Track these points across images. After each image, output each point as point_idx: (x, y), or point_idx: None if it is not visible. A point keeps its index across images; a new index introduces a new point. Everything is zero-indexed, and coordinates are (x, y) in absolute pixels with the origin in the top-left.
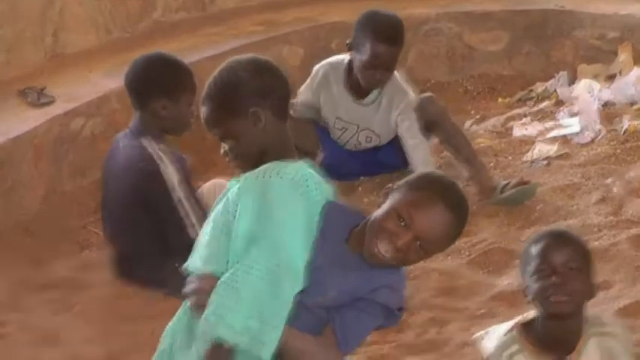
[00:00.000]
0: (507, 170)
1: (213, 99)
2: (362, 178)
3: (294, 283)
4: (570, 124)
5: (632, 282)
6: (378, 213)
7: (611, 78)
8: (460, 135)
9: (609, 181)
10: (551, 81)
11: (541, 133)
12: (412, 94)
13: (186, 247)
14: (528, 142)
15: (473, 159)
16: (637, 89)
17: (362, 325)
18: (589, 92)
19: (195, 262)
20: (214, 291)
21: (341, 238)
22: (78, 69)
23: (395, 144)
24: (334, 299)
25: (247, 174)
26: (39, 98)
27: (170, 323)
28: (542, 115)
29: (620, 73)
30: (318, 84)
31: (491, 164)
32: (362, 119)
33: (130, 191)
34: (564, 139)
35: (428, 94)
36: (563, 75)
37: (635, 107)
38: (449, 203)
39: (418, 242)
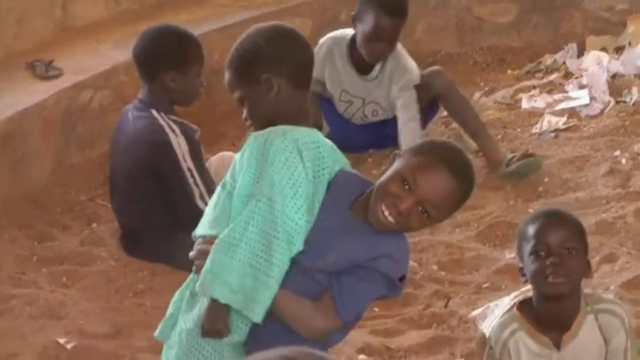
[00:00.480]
0: (515, 142)
1: (232, 65)
2: (370, 150)
3: (289, 243)
4: (579, 96)
5: (637, 255)
6: (383, 178)
7: (620, 49)
8: (468, 107)
9: (618, 153)
10: (560, 53)
11: (550, 105)
12: (414, 71)
13: (194, 218)
14: (537, 114)
15: (481, 132)
16: None
17: (361, 293)
18: (598, 64)
19: (202, 226)
20: (213, 248)
21: (346, 204)
22: (86, 41)
23: None
24: (334, 264)
25: (254, 133)
26: (47, 71)
27: (180, 289)
28: (551, 87)
29: (630, 44)
30: (323, 58)
31: (500, 136)
32: (367, 93)
33: (139, 162)
34: (573, 111)
35: (436, 67)
36: (572, 47)
37: None
38: (453, 168)
39: (421, 207)
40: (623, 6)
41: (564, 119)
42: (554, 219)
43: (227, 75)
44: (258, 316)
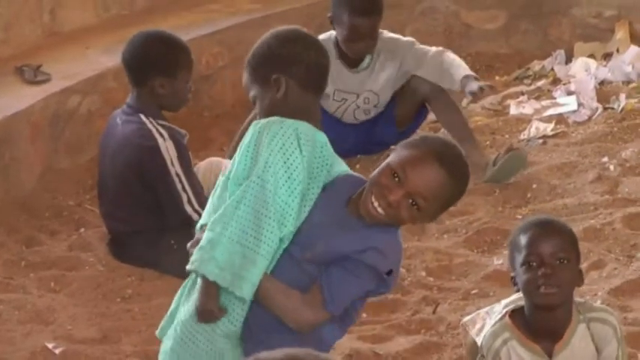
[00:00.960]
0: (503, 148)
1: (247, 64)
2: (359, 156)
3: (279, 223)
4: (567, 103)
5: (625, 262)
6: (375, 171)
7: (607, 56)
8: (456, 112)
9: (606, 159)
10: (549, 59)
11: (538, 111)
12: (402, 38)
13: (182, 223)
14: (525, 120)
15: (468, 137)
16: (634, 67)
17: (349, 285)
18: (586, 70)
19: (204, 217)
20: (207, 226)
21: (342, 202)
22: (75, 46)
23: (392, 121)
24: (322, 254)
25: (254, 122)
26: (35, 75)
27: (180, 287)
28: (539, 94)
29: (617, 51)
30: None
31: (488, 142)
32: (360, 86)
33: (127, 166)
34: (561, 118)
35: None
36: (560, 53)
37: (631, 85)
38: (444, 161)
39: (411, 199)
40: (611, 12)
41: (552, 125)
42: (546, 229)
43: (244, 75)
44: (245, 292)
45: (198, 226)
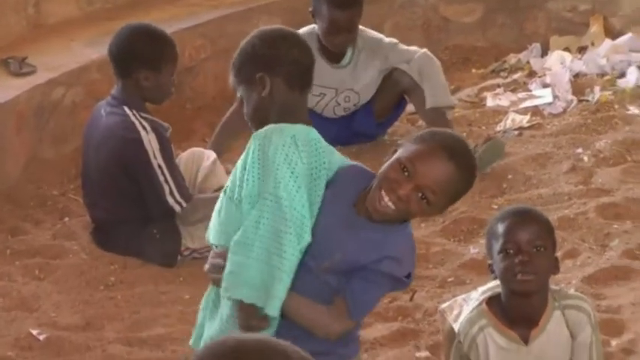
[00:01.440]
0: (480, 140)
1: (233, 64)
2: (338, 147)
3: (298, 236)
4: (542, 95)
5: (598, 250)
6: (383, 167)
7: (582, 49)
8: None
9: (580, 150)
10: (524, 52)
11: (514, 103)
12: (385, 39)
13: (164, 213)
14: (501, 112)
15: (447, 128)
16: (608, 60)
17: (371, 295)
18: (561, 63)
19: (213, 236)
20: (230, 251)
21: (350, 200)
22: (59, 39)
23: (370, 112)
24: (339, 263)
25: (254, 134)
26: (21, 67)
27: (204, 296)
28: (515, 86)
29: (592, 44)
30: None
31: (465, 134)
32: (340, 82)
33: (111, 158)
34: (536, 110)
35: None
36: (535, 47)
37: (605, 78)
38: (452, 155)
39: (420, 193)
40: (586, 7)
41: (528, 117)
42: (523, 217)
43: (230, 76)
44: (275, 310)
45: (210, 242)
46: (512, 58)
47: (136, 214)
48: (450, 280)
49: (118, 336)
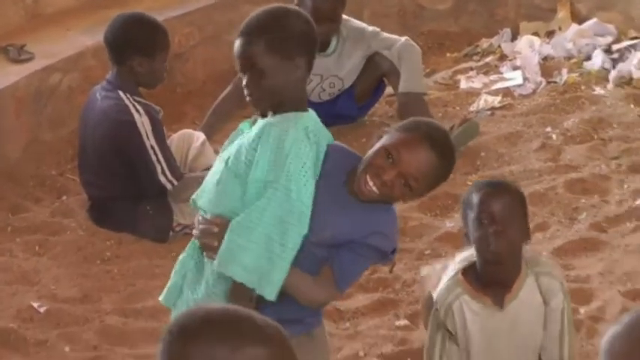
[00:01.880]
0: (455, 120)
1: (264, 34)
2: None
3: (301, 228)
4: (513, 77)
5: (567, 223)
6: (369, 152)
7: (550, 34)
8: None
9: (549, 129)
10: (496, 37)
11: (486, 85)
12: (369, 28)
13: (157, 191)
14: (474, 93)
15: (423, 110)
16: (574, 44)
17: (358, 266)
18: (530, 47)
19: (205, 203)
20: (229, 229)
21: (341, 179)
22: (56, 27)
23: (352, 96)
24: (329, 239)
25: (266, 122)
26: (19, 54)
27: (180, 258)
28: (487, 69)
29: (560, 29)
30: None
31: (440, 114)
32: (325, 69)
33: (106, 139)
34: (507, 91)
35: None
36: (506, 32)
37: (572, 61)
38: (434, 145)
39: (403, 179)
40: None
41: (499, 98)
42: (497, 188)
43: (251, 43)
44: (271, 295)
45: (196, 202)
46: (484, 43)
47: (130, 192)
48: (427, 252)
49: (114, 307)
